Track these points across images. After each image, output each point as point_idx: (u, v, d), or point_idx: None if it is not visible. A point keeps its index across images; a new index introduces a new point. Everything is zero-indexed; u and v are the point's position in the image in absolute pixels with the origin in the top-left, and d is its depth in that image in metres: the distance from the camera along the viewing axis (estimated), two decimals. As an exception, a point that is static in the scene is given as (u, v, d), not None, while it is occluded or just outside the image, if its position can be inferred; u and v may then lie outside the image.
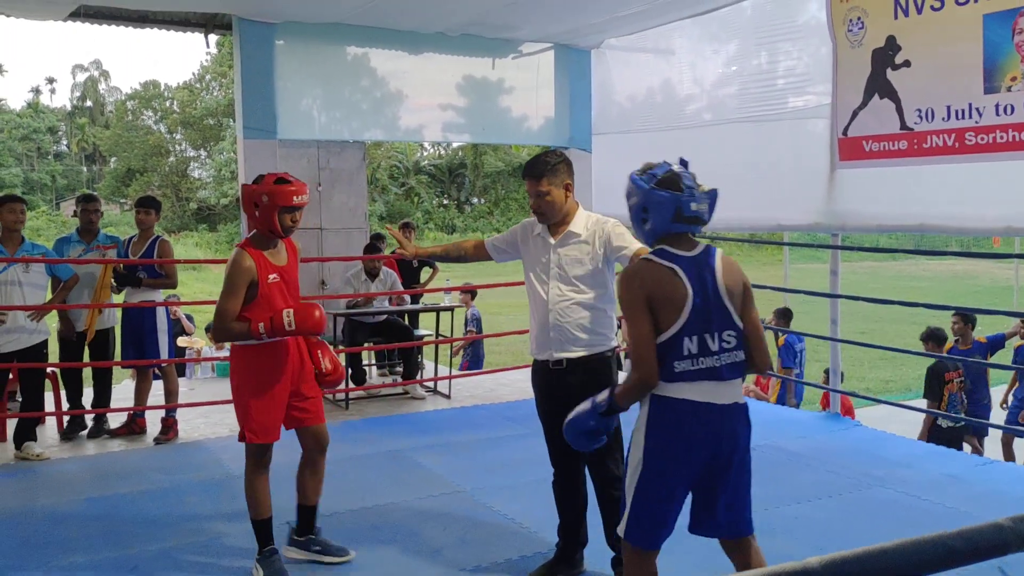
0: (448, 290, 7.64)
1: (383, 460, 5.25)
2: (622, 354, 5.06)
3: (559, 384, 3.46)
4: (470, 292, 9.78)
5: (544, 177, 3.42)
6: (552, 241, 3.47)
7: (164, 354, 5.91)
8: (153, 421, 5.97)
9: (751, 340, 2.71)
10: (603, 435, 2.82)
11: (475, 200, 42.93)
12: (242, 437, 3.60)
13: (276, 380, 3.55)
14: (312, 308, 3.51)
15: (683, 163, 2.79)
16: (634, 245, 3.41)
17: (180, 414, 6.01)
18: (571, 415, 2.82)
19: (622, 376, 4.33)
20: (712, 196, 2.71)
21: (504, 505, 4.41)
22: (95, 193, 6.81)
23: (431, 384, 7.42)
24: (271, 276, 3.53)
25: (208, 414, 6.35)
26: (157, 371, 6.11)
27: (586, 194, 7.90)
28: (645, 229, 2.73)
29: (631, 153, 7.99)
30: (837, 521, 4.15)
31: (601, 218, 3.52)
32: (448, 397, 7.12)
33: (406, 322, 7.77)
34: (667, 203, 2.64)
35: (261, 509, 3.64)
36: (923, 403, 7.28)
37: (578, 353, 3.42)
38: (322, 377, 3.75)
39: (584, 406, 2.78)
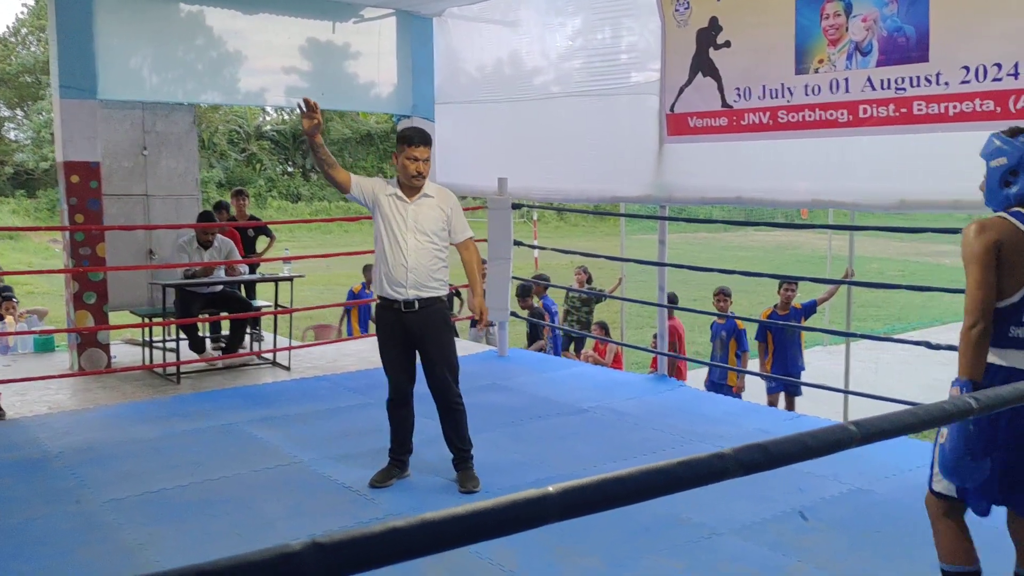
0: (287, 259, 7.46)
1: (215, 434, 5.11)
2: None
3: (407, 320, 4.12)
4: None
5: (429, 145, 4.14)
6: (408, 201, 4.13)
7: None
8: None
9: None
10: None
11: (321, 168, 41.72)
12: None
13: None
14: None
15: None
16: (467, 232, 4.29)
17: (-7, 392, 5.62)
18: (948, 454, 2.52)
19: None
20: None
21: (342, 474, 4.41)
22: None
23: (270, 355, 7.26)
24: None
25: (26, 391, 5.96)
26: None
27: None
28: (1008, 192, 2.63)
29: (478, 123, 8.05)
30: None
31: (446, 189, 4.30)
32: (288, 369, 6.99)
33: (243, 293, 7.56)
34: None
35: None
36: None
37: (427, 294, 4.12)
38: None
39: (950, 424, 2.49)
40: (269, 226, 8.79)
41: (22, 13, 36.54)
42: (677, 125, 6.00)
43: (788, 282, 7.79)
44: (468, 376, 4.38)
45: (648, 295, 9.44)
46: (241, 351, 7.45)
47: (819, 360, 10.53)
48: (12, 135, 36.20)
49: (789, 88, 5.32)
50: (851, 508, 3.96)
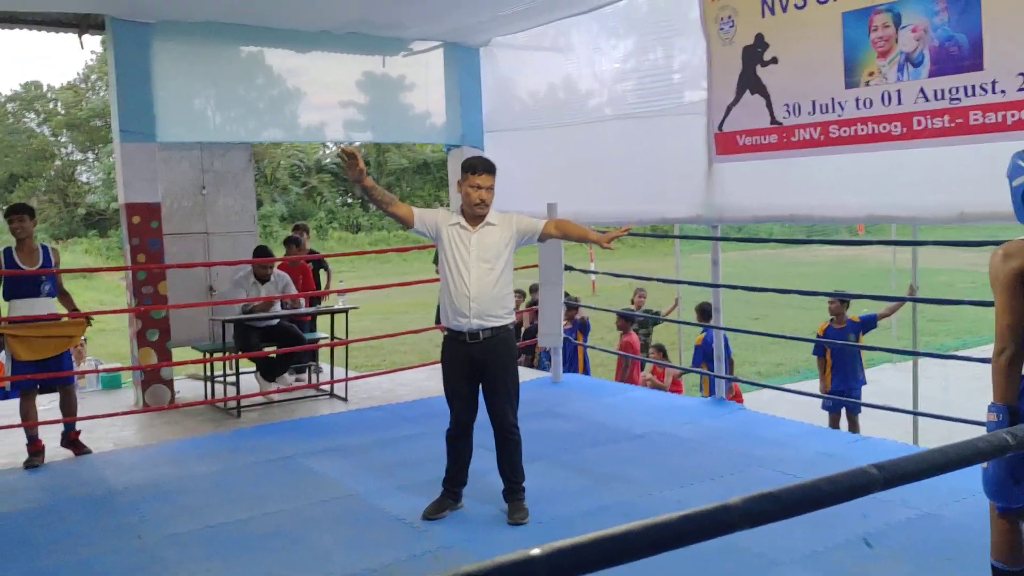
0: (342, 292, 7.56)
1: (273, 467, 5.18)
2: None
3: (473, 350, 4.09)
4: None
5: (492, 173, 4.10)
6: (471, 229, 4.11)
7: (73, 364, 5.71)
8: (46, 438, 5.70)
9: None
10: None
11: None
12: None
13: None
14: None
15: None
16: (541, 221, 4.21)
17: (59, 429, 5.78)
18: (990, 477, 2.65)
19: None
20: None
21: (396, 506, 4.41)
22: None
23: (328, 387, 7.34)
24: None
25: (93, 428, 6.11)
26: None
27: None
28: None
29: (527, 149, 8.09)
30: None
31: (506, 213, 4.24)
32: (345, 400, 7.06)
33: (307, 325, 7.69)
34: None
35: None
36: (807, 386, 7.63)
37: (491, 323, 4.07)
38: None
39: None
40: (327, 259, 8.95)
41: (91, 60, 38.02)
42: (726, 144, 5.93)
43: (837, 298, 7.67)
44: (522, 403, 4.34)
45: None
46: (298, 383, 7.56)
47: (887, 378, 10.24)
48: (84, 177, 37.63)
49: (839, 102, 5.22)
50: (919, 534, 3.81)
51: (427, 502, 4.31)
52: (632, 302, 11.03)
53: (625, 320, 9.08)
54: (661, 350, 9.11)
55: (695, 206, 6.26)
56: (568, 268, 7.30)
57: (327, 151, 41.33)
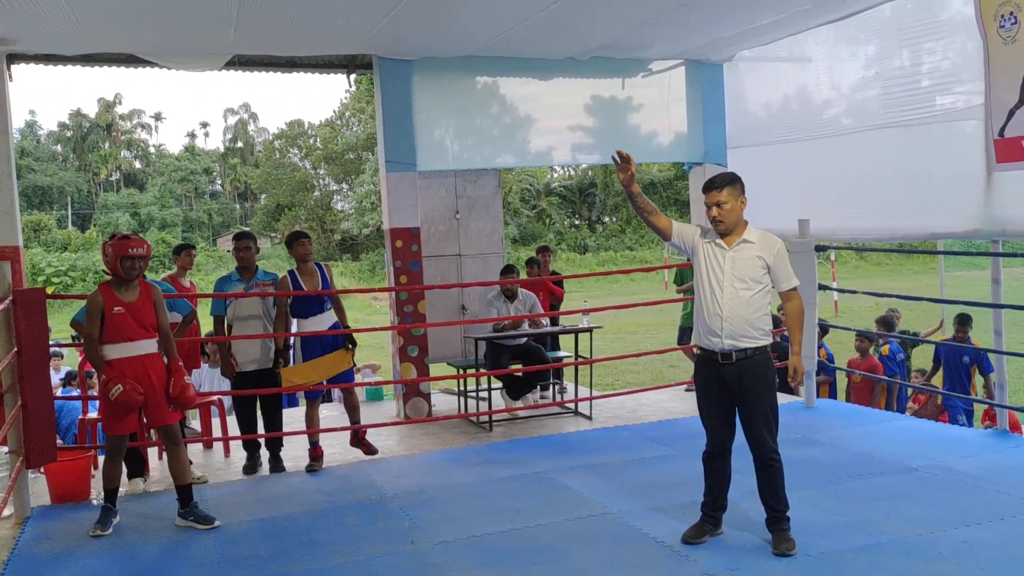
0: (587, 311, 7.66)
1: (529, 481, 5.32)
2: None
3: (724, 372, 3.99)
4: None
5: (724, 188, 3.97)
6: (727, 248, 4.01)
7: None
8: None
9: None
10: None
11: (606, 219, 42.87)
12: (105, 429, 4.83)
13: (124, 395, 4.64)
14: (133, 390, 4.60)
15: None
16: (791, 282, 4.06)
17: (334, 437, 6.27)
18: None
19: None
20: None
21: (652, 528, 4.38)
22: (249, 230, 7.07)
23: (572, 405, 7.46)
24: (116, 308, 4.66)
25: (361, 437, 6.59)
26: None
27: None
28: None
29: (773, 164, 7.83)
30: (1010, 545, 3.90)
31: (771, 235, 4.09)
32: (590, 418, 7.14)
33: (549, 343, 7.88)
34: None
35: (110, 481, 4.83)
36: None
37: (745, 344, 3.95)
38: (171, 398, 4.78)
39: None
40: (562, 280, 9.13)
41: (345, 99, 41.48)
42: (1009, 151, 5.40)
43: None
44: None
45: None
46: (543, 400, 7.75)
47: None
48: (339, 206, 41.04)
49: None
50: None
51: (682, 525, 4.24)
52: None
53: (867, 341, 8.47)
54: (925, 375, 8.43)
55: (971, 219, 5.75)
56: (823, 287, 6.95)
57: (555, 174, 42.35)
